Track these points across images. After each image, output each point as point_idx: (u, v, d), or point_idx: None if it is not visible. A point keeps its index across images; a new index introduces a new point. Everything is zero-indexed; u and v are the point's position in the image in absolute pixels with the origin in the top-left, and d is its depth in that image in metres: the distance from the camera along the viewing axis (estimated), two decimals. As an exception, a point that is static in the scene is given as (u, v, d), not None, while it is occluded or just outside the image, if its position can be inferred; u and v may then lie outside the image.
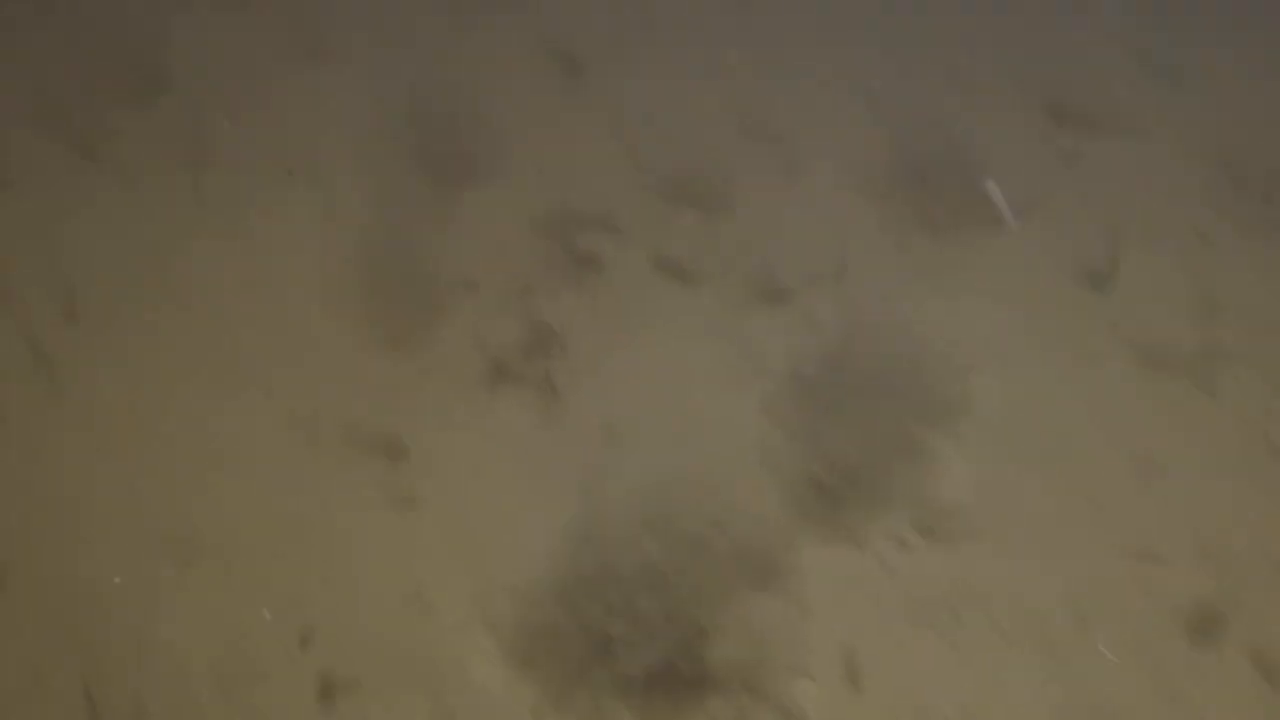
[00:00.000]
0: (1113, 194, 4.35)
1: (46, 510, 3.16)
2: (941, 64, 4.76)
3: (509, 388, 3.54)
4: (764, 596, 2.96)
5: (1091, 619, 2.97)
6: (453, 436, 3.38)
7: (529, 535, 3.05)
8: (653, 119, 4.47)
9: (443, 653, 2.81)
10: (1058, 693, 2.81)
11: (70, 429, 3.39)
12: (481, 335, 3.67)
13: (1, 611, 2.82)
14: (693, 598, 2.79)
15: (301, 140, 4.39)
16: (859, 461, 3.30)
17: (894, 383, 3.49)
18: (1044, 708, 2.78)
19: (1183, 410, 3.58)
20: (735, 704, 2.73)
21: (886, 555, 3.11)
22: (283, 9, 4.93)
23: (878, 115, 4.54)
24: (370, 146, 4.35)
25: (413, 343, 3.66)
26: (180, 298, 3.80)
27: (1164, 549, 3.15)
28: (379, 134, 4.39)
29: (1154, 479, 3.35)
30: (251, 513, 3.12)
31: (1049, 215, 4.29)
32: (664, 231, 4.06)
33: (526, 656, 2.82)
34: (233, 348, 3.62)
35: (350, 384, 3.49)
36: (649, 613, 2.73)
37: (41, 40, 4.73)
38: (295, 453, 3.30)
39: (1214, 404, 3.60)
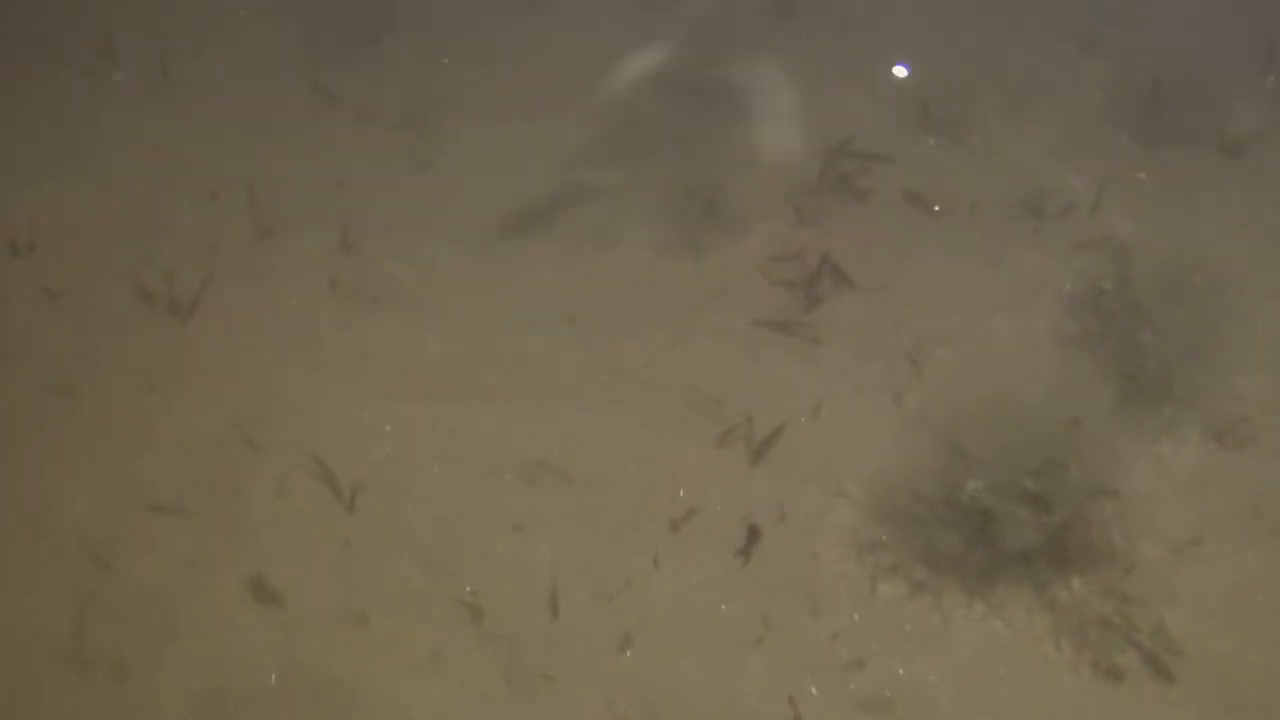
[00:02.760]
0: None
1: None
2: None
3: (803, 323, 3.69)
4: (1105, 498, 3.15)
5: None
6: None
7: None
8: (875, 50, 4.57)
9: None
10: None
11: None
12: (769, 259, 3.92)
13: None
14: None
15: (529, 85, 4.50)
16: (1167, 367, 3.49)
17: (1175, 300, 3.62)
18: None
19: None
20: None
21: (1211, 451, 3.36)
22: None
23: (1091, 50, 4.62)
24: (598, 93, 4.46)
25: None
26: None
27: None
28: (603, 80, 4.50)
29: None
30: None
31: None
32: (911, 163, 4.16)
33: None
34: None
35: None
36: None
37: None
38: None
39: None
